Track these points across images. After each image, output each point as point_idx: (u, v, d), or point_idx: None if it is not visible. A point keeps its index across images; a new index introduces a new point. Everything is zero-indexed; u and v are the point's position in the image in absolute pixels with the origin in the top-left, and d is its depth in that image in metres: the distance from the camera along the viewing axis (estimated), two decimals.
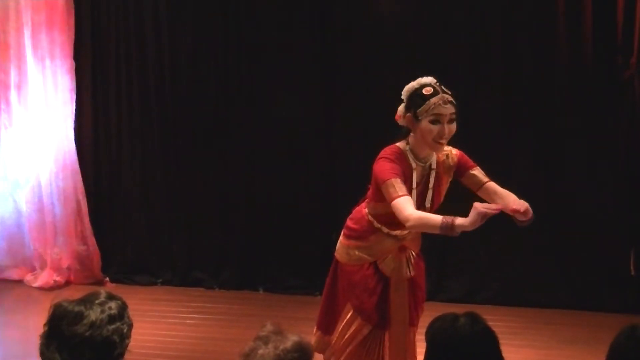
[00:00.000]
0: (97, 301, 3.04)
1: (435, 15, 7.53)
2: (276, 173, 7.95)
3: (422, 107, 4.44)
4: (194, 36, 8.07)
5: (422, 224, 4.34)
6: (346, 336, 4.74)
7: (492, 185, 4.65)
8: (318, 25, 7.82)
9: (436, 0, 7.55)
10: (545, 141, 7.42)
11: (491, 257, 7.53)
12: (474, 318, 3.03)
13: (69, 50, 8.19)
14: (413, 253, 4.76)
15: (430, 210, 4.59)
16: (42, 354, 3.02)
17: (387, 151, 4.56)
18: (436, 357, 3.01)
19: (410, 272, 4.72)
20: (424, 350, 3.07)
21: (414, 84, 4.55)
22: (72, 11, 8.15)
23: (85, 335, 2.96)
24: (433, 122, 4.42)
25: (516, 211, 4.37)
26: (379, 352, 4.73)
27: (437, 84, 4.52)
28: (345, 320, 4.74)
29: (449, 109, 4.45)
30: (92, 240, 8.33)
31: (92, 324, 2.97)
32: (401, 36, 7.55)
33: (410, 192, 4.46)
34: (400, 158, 4.51)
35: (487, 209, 4.17)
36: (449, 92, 4.50)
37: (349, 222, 4.81)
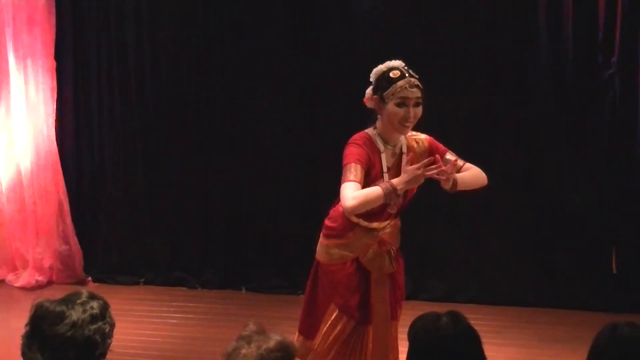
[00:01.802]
0: (78, 301, 3.03)
1: (417, 14, 7.54)
2: (258, 172, 7.94)
3: (389, 89, 4.50)
4: (175, 36, 8.06)
5: (366, 200, 4.39)
6: (330, 338, 4.72)
7: (468, 167, 4.72)
8: (298, 24, 7.82)
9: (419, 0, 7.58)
10: (526, 140, 7.44)
11: (473, 256, 7.55)
12: (456, 317, 3.03)
13: (50, 49, 8.17)
14: (393, 248, 4.75)
15: (405, 200, 4.64)
16: (23, 354, 3.01)
17: (355, 137, 4.62)
18: (418, 356, 3.02)
19: (392, 266, 4.72)
20: (406, 349, 3.07)
21: (381, 67, 4.61)
22: (53, 10, 8.13)
23: (67, 335, 2.95)
24: (399, 104, 4.48)
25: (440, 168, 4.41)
26: (362, 347, 4.72)
27: (405, 67, 4.58)
28: (330, 322, 4.71)
29: (415, 93, 4.51)
30: (74, 240, 8.31)
31: (74, 324, 2.96)
32: (383, 34, 7.56)
33: (381, 176, 4.52)
34: (368, 143, 4.57)
35: (418, 167, 4.37)
36: (416, 76, 4.55)
37: (327, 222, 4.80)
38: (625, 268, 7.32)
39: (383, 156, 4.58)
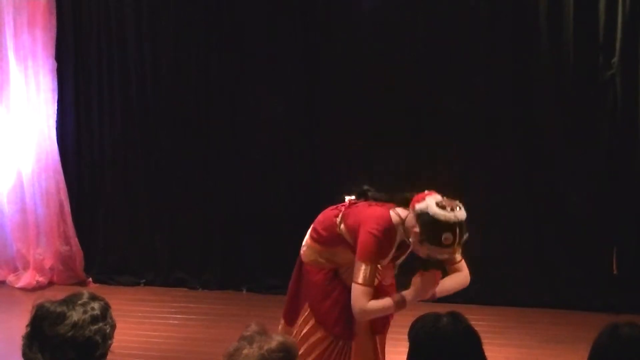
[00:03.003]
0: (79, 302, 3.03)
1: (418, 16, 7.54)
2: (258, 173, 7.96)
3: (433, 246, 4.26)
4: (175, 36, 8.07)
5: (377, 313, 4.48)
6: (302, 334, 4.71)
7: (461, 265, 4.66)
8: (300, 25, 7.83)
9: (420, 0, 7.58)
10: (527, 141, 7.44)
11: (473, 257, 7.51)
12: (456, 317, 3.04)
13: (51, 50, 8.17)
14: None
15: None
16: (24, 355, 3.01)
17: (380, 223, 4.40)
18: (419, 356, 3.02)
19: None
20: (406, 349, 3.07)
21: (439, 216, 4.22)
22: (54, 11, 8.13)
23: (67, 336, 2.95)
24: (431, 258, 4.36)
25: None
26: None
27: (460, 227, 4.25)
28: (304, 317, 4.75)
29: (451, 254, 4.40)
30: (75, 241, 8.31)
31: (75, 325, 2.96)
32: (385, 35, 7.57)
33: (385, 260, 4.50)
34: (389, 236, 4.41)
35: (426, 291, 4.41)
36: (464, 237, 4.31)
37: (318, 226, 4.79)
38: (626, 268, 7.32)
39: (394, 249, 4.48)
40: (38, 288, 8.12)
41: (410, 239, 4.37)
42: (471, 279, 7.62)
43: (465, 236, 4.31)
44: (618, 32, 7.10)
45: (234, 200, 8.08)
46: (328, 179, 7.59)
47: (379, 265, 4.51)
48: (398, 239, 4.45)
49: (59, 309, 3.00)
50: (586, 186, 7.32)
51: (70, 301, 3.04)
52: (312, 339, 4.71)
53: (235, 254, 8.09)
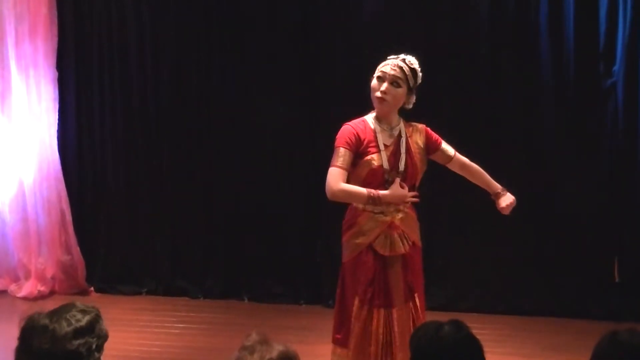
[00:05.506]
0: (66, 314, 3.01)
1: (419, 20, 7.54)
2: (260, 181, 7.95)
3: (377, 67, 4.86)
4: (176, 44, 8.08)
5: (348, 196, 4.77)
6: (357, 326, 4.82)
7: (458, 158, 5.17)
8: (301, 29, 7.84)
9: (420, 4, 7.58)
10: (528, 148, 7.45)
11: (475, 265, 7.54)
12: (458, 326, 3.03)
13: (52, 59, 8.18)
14: (407, 235, 4.86)
15: (405, 179, 4.85)
16: None
17: (350, 120, 4.91)
18: None
19: (403, 247, 4.83)
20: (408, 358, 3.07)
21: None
22: (56, 20, 8.15)
23: (45, 348, 2.94)
24: (377, 78, 4.82)
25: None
26: (389, 329, 4.81)
27: (408, 60, 4.95)
28: (354, 313, 4.83)
29: (395, 72, 4.81)
30: (76, 250, 8.30)
31: (55, 338, 2.94)
32: (385, 39, 7.55)
33: (378, 151, 4.79)
34: (360, 124, 4.86)
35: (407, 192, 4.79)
36: (411, 65, 4.90)
37: (343, 223, 4.98)
38: (628, 276, 7.32)
39: (379, 135, 4.81)
40: (39, 297, 8.11)
41: (382, 117, 4.86)
42: (472, 288, 7.67)
43: (411, 64, 4.93)
44: (619, 40, 7.11)
45: (236, 208, 8.08)
46: None
47: (396, 176, 4.79)
48: (374, 127, 4.83)
49: (42, 322, 2.99)
50: (588, 194, 7.31)
51: (56, 313, 3.02)
52: (366, 324, 4.80)
53: (237, 262, 8.09)
